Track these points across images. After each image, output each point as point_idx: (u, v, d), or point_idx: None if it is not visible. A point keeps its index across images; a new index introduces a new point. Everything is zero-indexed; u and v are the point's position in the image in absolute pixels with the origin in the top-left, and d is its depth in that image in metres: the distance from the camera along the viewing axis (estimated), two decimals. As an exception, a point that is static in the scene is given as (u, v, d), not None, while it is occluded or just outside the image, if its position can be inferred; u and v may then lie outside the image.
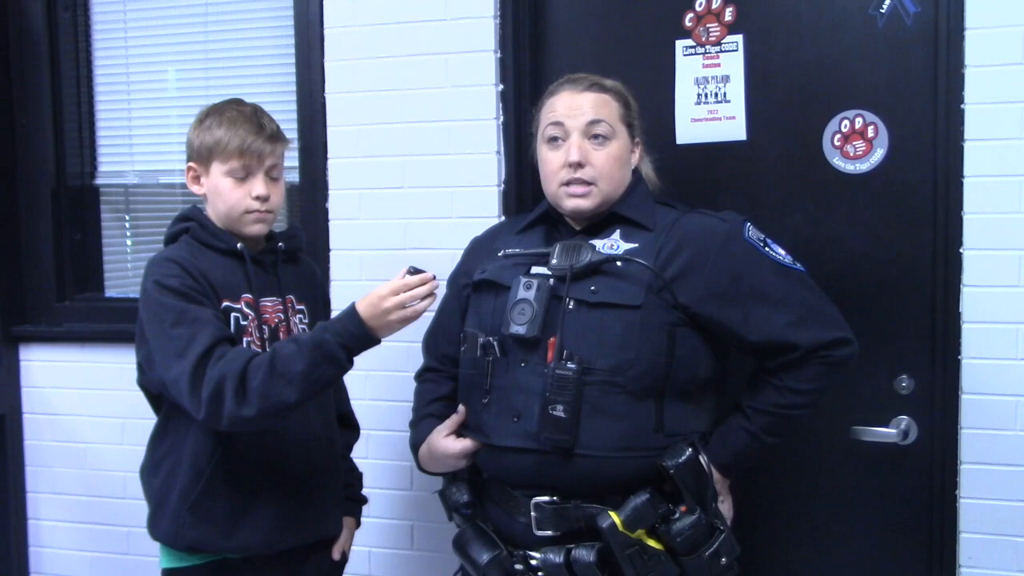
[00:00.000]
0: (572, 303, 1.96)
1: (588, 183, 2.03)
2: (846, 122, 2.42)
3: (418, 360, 2.36)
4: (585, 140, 2.05)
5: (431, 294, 1.98)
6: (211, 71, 3.05)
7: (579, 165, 2.03)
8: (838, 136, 2.43)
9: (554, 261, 2.01)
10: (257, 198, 2.11)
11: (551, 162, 2.08)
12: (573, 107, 2.07)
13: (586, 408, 1.91)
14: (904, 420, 2.41)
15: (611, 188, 2.06)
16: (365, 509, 2.46)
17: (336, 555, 2.30)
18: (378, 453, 2.56)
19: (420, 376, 2.33)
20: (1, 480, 3.16)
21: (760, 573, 2.43)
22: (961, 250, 2.32)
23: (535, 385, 1.95)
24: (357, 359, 2.01)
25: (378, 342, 1.99)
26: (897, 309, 2.42)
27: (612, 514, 1.88)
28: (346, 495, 2.36)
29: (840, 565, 2.50)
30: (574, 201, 2.05)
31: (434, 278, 1.98)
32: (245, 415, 1.90)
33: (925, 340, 2.39)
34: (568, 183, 2.05)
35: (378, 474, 2.53)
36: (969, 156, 2.31)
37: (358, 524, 2.42)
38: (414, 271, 1.98)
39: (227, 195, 2.12)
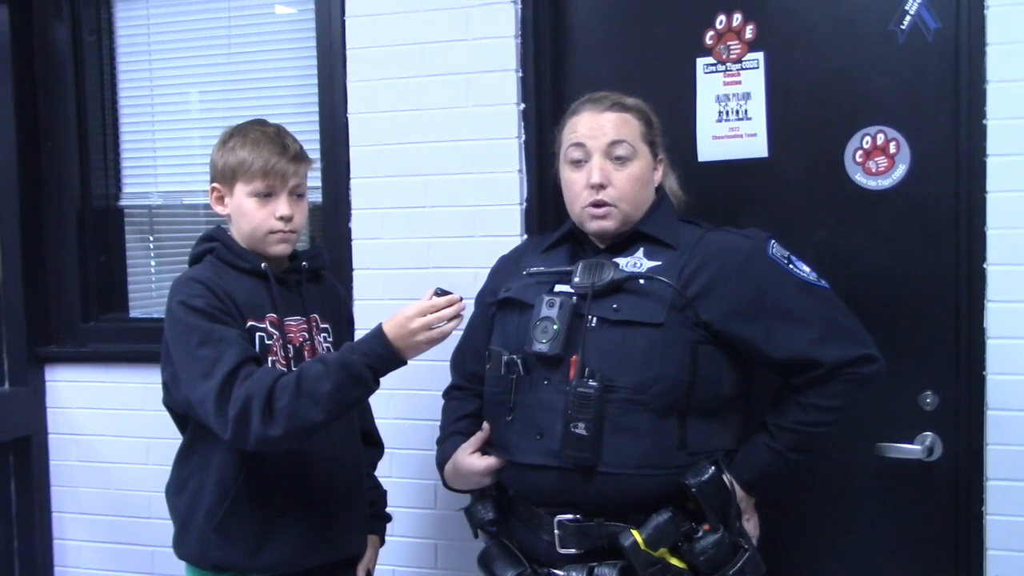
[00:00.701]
0: (594, 321, 1.97)
1: (610, 204, 2.04)
2: (867, 138, 2.42)
3: (442, 379, 2.37)
4: (607, 161, 2.06)
5: (458, 315, 1.98)
6: (234, 93, 3.08)
7: (601, 187, 2.04)
8: (860, 152, 2.43)
9: (576, 279, 2.02)
10: (281, 218, 2.12)
11: (574, 184, 2.09)
12: (594, 128, 2.08)
13: (608, 426, 1.91)
14: (929, 436, 2.39)
15: (633, 208, 2.07)
16: (389, 528, 2.46)
17: (361, 573, 2.30)
18: (402, 472, 2.56)
19: (447, 394, 2.35)
20: (27, 500, 3.18)
21: (786, 591, 2.43)
22: (985, 265, 2.32)
23: (557, 403, 1.95)
24: (381, 379, 2.02)
25: (405, 363, 2.00)
26: (921, 325, 2.41)
27: (634, 532, 1.88)
28: (370, 513, 2.36)
29: (866, 583, 2.49)
30: (597, 223, 2.06)
31: (461, 299, 1.99)
32: (272, 435, 1.91)
33: (950, 356, 2.38)
34: (591, 204, 2.05)
35: (402, 493, 2.54)
36: (992, 171, 2.30)
37: (382, 542, 2.43)
38: (441, 292, 1.98)
39: (251, 215, 2.13)
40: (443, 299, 1.97)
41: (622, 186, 2.05)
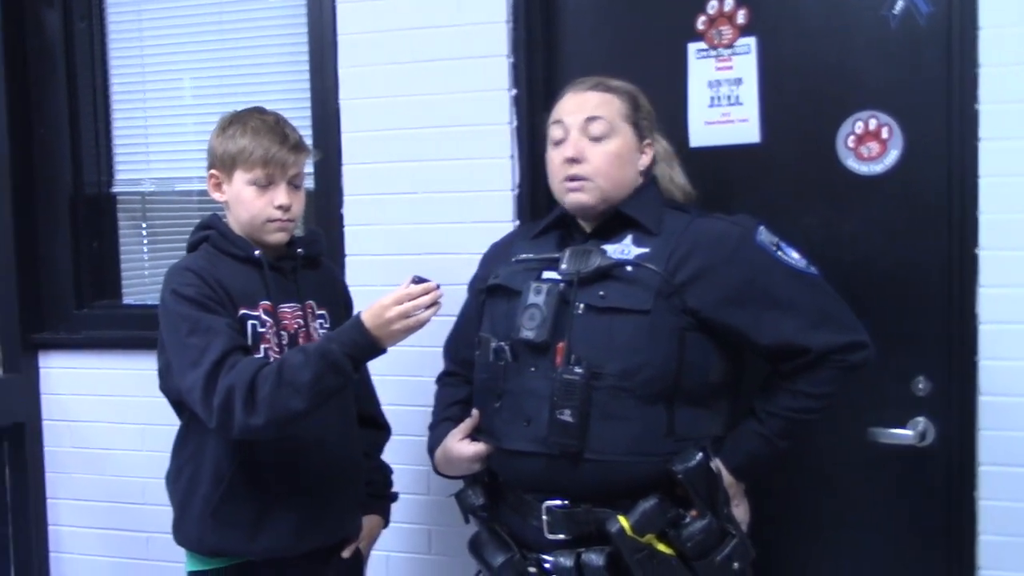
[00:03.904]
0: (581, 308, 1.97)
1: (584, 179, 2.04)
2: (860, 123, 2.42)
3: (433, 365, 2.38)
4: (583, 137, 2.06)
5: (435, 303, 1.98)
6: (226, 78, 3.07)
7: (575, 161, 2.04)
8: (852, 137, 2.42)
9: (563, 266, 2.01)
10: (279, 207, 2.13)
11: (553, 161, 2.10)
12: (573, 106, 2.09)
13: (595, 412, 1.92)
14: (921, 422, 2.40)
15: (610, 185, 2.06)
16: (382, 513, 2.47)
17: (345, 554, 2.29)
18: (395, 457, 2.56)
19: (440, 380, 2.36)
20: (21, 487, 3.19)
21: (776, 576, 2.44)
22: (977, 250, 2.32)
23: (544, 390, 1.95)
24: (373, 364, 2.02)
25: (383, 351, 2.00)
26: (913, 310, 2.41)
27: (621, 519, 1.88)
28: (370, 492, 2.37)
29: (857, 568, 2.50)
30: (573, 196, 2.06)
31: (438, 287, 1.98)
32: (254, 424, 1.92)
33: (941, 341, 2.38)
34: (567, 179, 2.06)
35: (396, 479, 2.53)
36: (984, 156, 2.30)
37: (386, 522, 2.44)
38: (418, 280, 1.98)
39: (250, 204, 2.13)
40: (419, 287, 1.96)
41: (597, 162, 2.05)
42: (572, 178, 2.05)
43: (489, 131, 2.65)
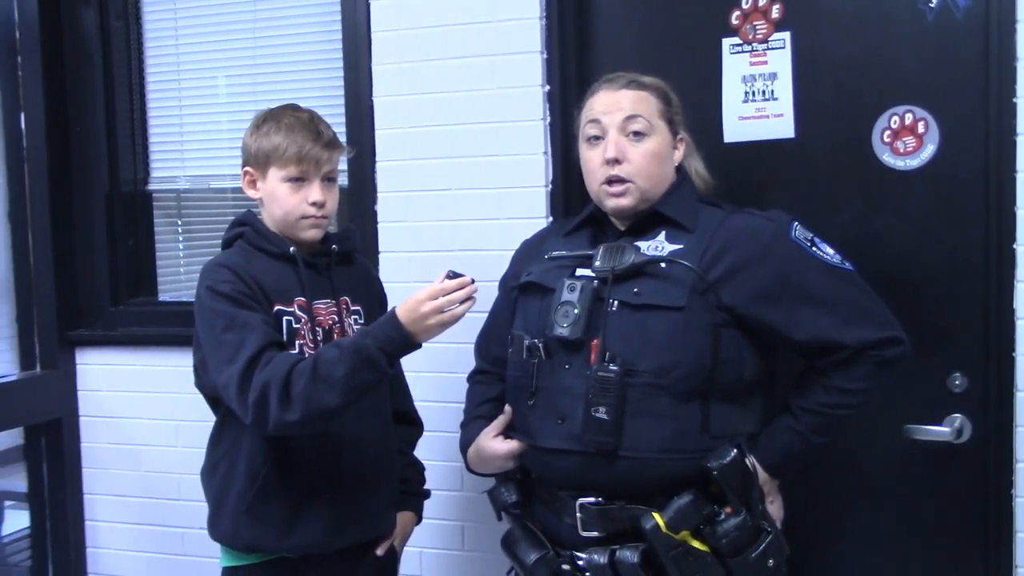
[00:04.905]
0: (615, 305, 1.96)
1: (625, 180, 2.03)
2: (896, 118, 2.40)
3: (468, 361, 2.38)
4: (622, 136, 2.05)
5: (470, 298, 1.97)
6: (260, 76, 3.08)
7: (616, 161, 2.03)
8: (888, 132, 2.41)
9: (597, 263, 2.01)
10: (314, 204, 2.13)
11: (591, 161, 2.09)
12: (610, 104, 2.08)
13: (630, 410, 1.91)
14: (958, 418, 2.38)
15: (650, 185, 2.05)
16: (415, 510, 2.48)
17: (379, 551, 2.30)
18: (428, 454, 2.57)
19: (471, 378, 2.36)
20: (59, 482, 3.22)
21: (810, 574, 2.42)
22: (1014, 245, 2.29)
23: (579, 387, 1.95)
24: (406, 360, 2.02)
25: (418, 346, 2.00)
26: (950, 306, 2.39)
27: (655, 515, 1.87)
28: (404, 489, 2.37)
29: (893, 566, 2.48)
30: (614, 201, 2.06)
31: (473, 282, 1.97)
32: (289, 420, 1.92)
33: (978, 337, 2.36)
34: (607, 181, 2.05)
35: (429, 475, 2.55)
36: (1022, 150, 2.27)
37: (419, 519, 2.44)
38: (453, 275, 1.97)
39: (284, 200, 2.14)
40: (454, 282, 1.96)
41: (638, 161, 2.04)
42: (613, 180, 2.04)
43: (522, 127, 2.65)
